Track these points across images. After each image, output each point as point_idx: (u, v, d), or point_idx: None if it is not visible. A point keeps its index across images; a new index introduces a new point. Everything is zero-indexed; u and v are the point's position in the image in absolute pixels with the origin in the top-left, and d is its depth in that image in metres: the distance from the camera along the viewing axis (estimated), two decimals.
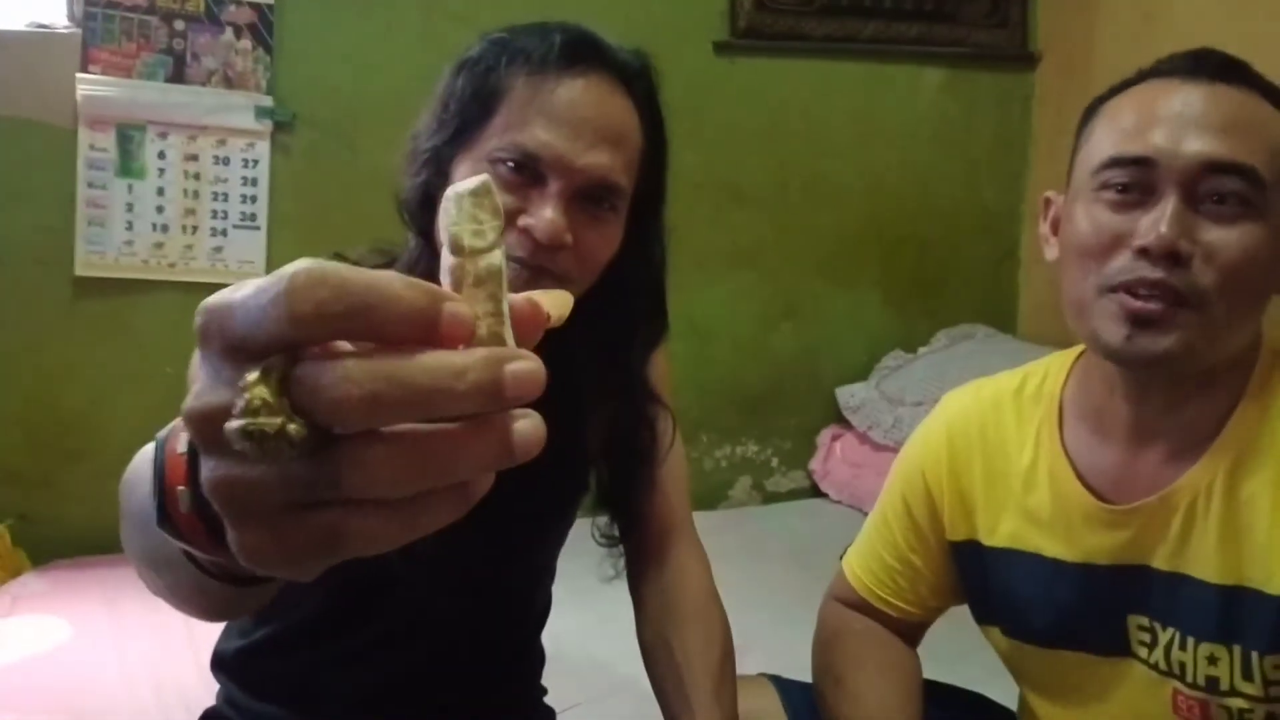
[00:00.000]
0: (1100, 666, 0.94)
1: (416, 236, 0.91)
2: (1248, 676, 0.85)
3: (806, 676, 1.11)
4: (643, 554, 1.09)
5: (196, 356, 0.32)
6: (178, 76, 2.22)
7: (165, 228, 2.23)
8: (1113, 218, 0.84)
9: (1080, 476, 0.93)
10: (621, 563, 1.10)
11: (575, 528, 1.09)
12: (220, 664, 1.03)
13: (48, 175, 2.16)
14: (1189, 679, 0.87)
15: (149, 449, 0.43)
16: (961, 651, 1.14)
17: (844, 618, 1.11)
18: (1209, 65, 0.85)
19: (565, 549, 1.09)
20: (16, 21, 2.13)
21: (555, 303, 0.37)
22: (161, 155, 2.22)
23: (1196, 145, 0.81)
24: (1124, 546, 0.90)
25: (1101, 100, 0.91)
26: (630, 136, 0.88)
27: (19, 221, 2.16)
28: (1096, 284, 0.84)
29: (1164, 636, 0.89)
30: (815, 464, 2.77)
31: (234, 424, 0.30)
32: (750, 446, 2.79)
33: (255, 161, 2.28)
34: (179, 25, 2.21)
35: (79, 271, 2.18)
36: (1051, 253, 0.94)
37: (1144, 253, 0.81)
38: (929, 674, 1.09)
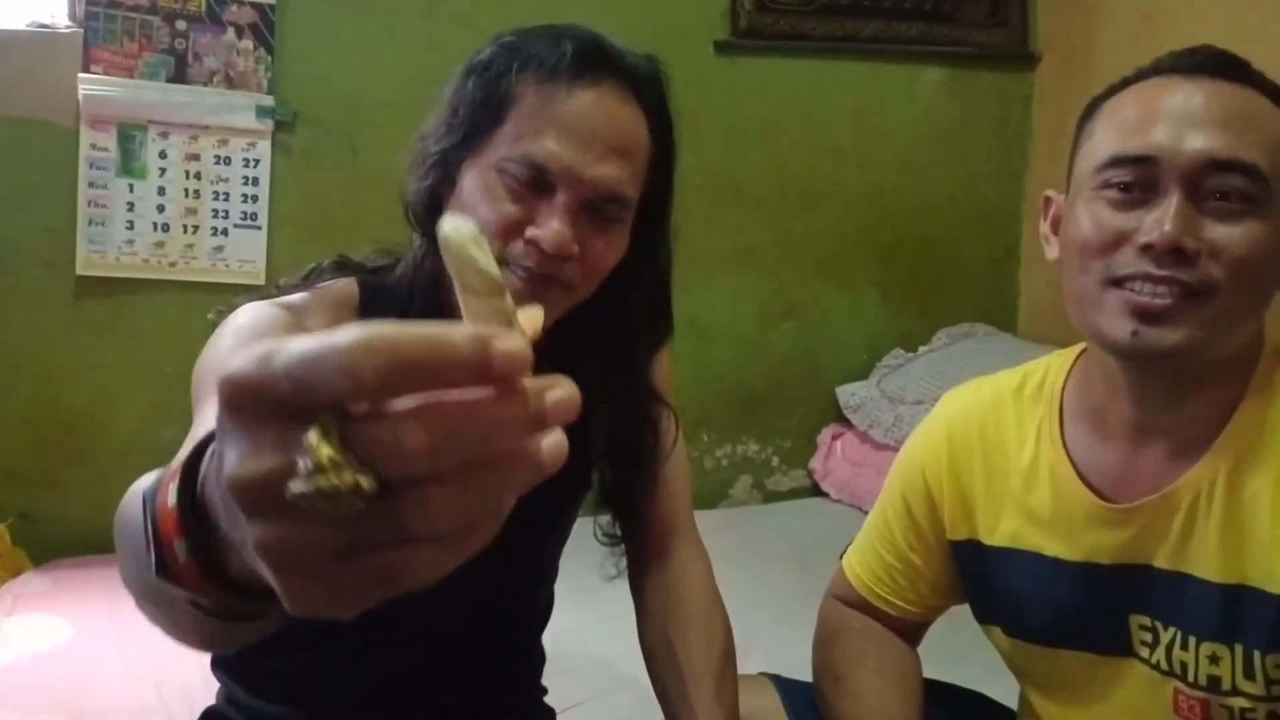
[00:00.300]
0: (1101, 666, 0.94)
1: (422, 238, 0.92)
2: (1250, 676, 0.85)
3: (807, 676, 1.11)
4: (644, 553, 1.10)
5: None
6: (179, 76, 2.22)
7: (166, 227, 2.23)
8: (1115, 216, 0.84)
9: (1081, 475, 0.93)
10: (623, 562, 1.10)
11: (577, 526, 1.09)
12: (221, 663, 1.03)
13: (49, 175, 2.16)
14: (1190, 678, 0.87)
15: (140, 488, 0.43)
16: (961, 651, 1.14)
17: (844, 616, 1.11)
18: (1209, 62, 0.85)
19: (567, 548, 1.09)
20: (18, 21, 2.13)
21: (527, 319, 0.37)
22: (163, 155, 2.22)
23: (1199, 142, 0.81)
24: (1125, 546, 0.90)
25: (1101, 99, 0.91)
26: (639, 146, 0.88)
27: (21, 221, 2.16)
28: (1100, 277, 0.84)
29: (1165, 636, 0.89)
30: (816, 463, 2.77)
31: (302, 485, 0.30)
32: (751, 445, 2.79)
33: (256, 161, 2.28)
34: (180, 25, 2.21)
35: (80, 271, 2.18)
36: (1052, 252, 0.94)
37: (1148, 249, 0.80)
38: (929, 673, 1.09)
